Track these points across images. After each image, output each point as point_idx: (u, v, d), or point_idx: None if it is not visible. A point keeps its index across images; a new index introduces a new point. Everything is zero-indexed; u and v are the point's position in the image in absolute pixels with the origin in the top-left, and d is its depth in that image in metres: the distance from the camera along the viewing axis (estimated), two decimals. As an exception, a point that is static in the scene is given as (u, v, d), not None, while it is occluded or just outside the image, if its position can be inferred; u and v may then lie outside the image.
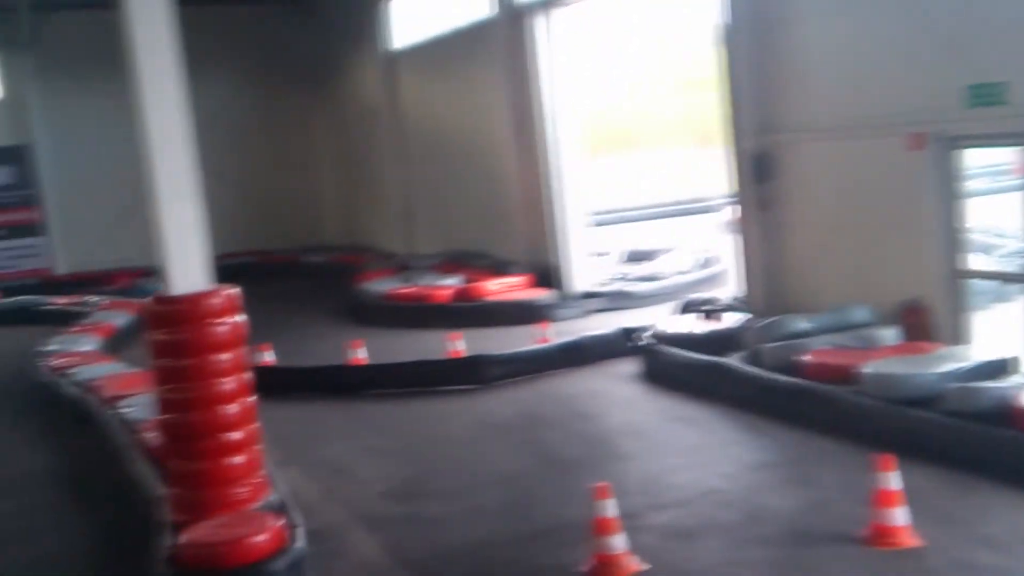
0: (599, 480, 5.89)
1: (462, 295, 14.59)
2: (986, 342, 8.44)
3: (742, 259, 10.90)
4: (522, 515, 6.81)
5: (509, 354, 10.76)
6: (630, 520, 6.03)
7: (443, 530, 6.68)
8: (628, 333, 11.14)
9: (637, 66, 32.13)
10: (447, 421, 9.40)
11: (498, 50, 15.18)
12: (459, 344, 11.41)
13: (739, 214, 10.93)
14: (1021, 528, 5.94)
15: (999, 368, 7.69)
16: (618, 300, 14.12)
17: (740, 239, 10.95)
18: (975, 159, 9.59)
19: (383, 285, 15.96)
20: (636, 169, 30.99)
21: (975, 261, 9.25)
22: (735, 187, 10.88)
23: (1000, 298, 9.68)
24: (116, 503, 7.65)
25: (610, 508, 5.67)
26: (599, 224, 18.00)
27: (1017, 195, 8.29)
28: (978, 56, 8.22)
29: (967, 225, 8.78)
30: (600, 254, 16.59)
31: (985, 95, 8.14)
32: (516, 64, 14.76)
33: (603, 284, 14.76)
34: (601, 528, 5.66)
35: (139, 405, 8.56)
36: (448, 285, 15.11)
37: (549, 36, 14.36)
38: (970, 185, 8.91)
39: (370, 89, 20.95)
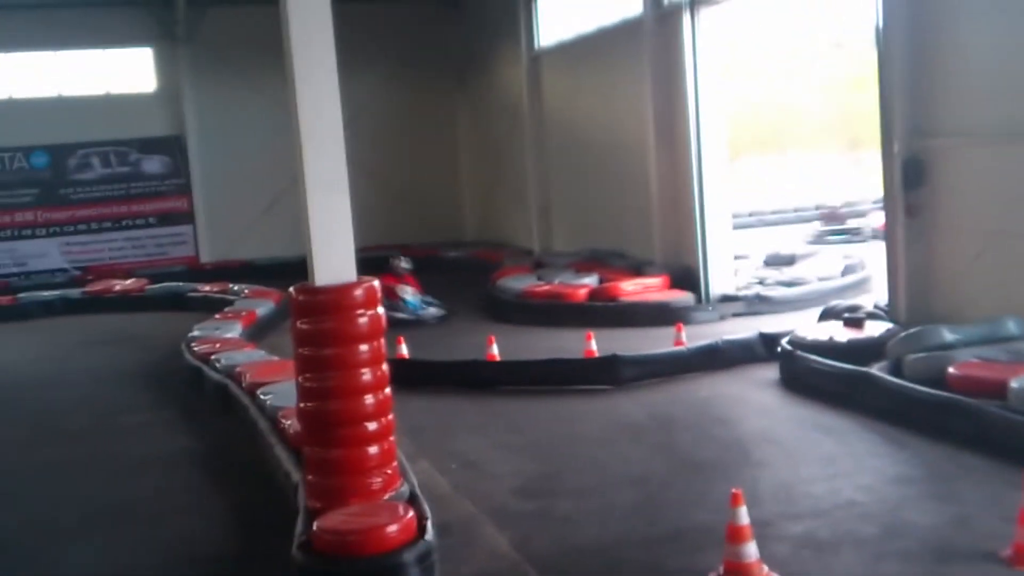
0: (732, 486, 5.96)
1: (598, 294, 14.79)
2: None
3: (889, 267, 10.77)
4: (652, 517, 6.95)
5: (644, 355, 10.91)
6: (763, 528, 6.07)
7: (572, 528, 6.85)
8: (767, 338, 11.13)
9: (788, 66, 31.65)
10: (580, 420, 9.60)
11: (643, 48, 15.30)
12: (593, 344, 11.61)
13: (887, 220, 10.80)
14: None
15: None
16: (757, 304, 14.06)
17: (888, 246, 10.81)
18: None
19: (519, 282, 16.29)
20: (783, 171, 30.55)
21: None
22: (884, 192, 10.76)
23: None
24: (253, 487, 8.09)
25: (743, 515, 5.71)
26: (742, 227, 17.90)
27: None
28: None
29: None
30: (740, 257, 16.52)
31: None
32: (661, 62, 14.86)
33: (742, 288, 14.71)
34: (733, 535, 5.71)
35: (279, 392, 8.91)
36: (583, 284, 15.32)
37: (696, 34, 14.40)
38: None
39: (514, 86, 21.37)
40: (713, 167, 14.60)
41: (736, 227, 16.34)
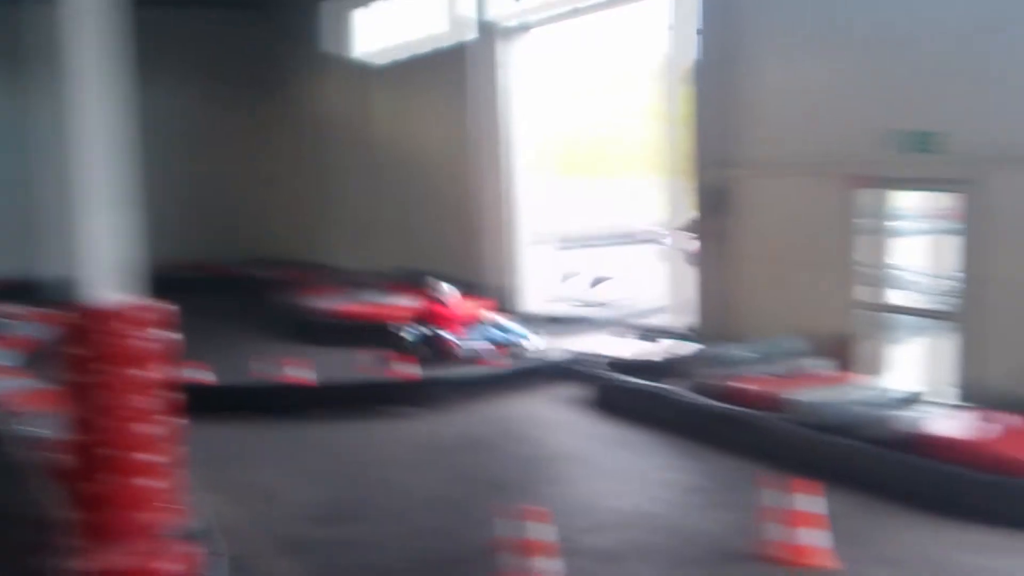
0: (535, 503, 6.27)
1: (418, 316, 14.84)
2: (904, 373, 9.20)
3: (697, 289, 11.47)
4: (454, 538, 7.15)
5: (454, 376, 11.18)
6: (564, 543, 6.33)
7: (371, 554, 6.92)
8: (578, 358, 11.60)
9: (605, 93, 32.66)
10: (386, 443, 9.75)
11: (462, 70, 15.69)
12: (406, 365, 11.75)
13: (696, 245, 11.51)
14: (925, 549, 6.52)
15: (914, 398, 8.39)
16: (570, 324, 14.56)
17: (696, 269, 11.52)
18: (906, 201, 10.37)
19: (330, 302, 16.12)
20: (598, 195, 31.50)
21: (899, 297, 9.96)
22: (694, 218, 11.49)
23: (922, 332, 10.36)
24: (14, 524, 7.41)
25: (541, 531, 5.98)
26: (558, 248, 18.46)
27: (945, 237, 8.99)
28: (916, 104, 9.07)
29: (895, 263, 9.52)
30: (554, 278, 17.03)
31: (915, 142, 8.89)
32: (480, 84, 15.26)
33: (556, 308, 15.19)
34: (531, 550, 5.95)
35: (47, 422, 8.11)
36: (402, 305, 15.34)
37: (513, 59, 14.88)
38: (900, 225, 9.65)
39: (330, 101, 21.29)
40: (525, 189, 15.09)
41: (555, 248, 16.84)
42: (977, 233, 8.62)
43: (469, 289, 15.57)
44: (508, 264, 15.18)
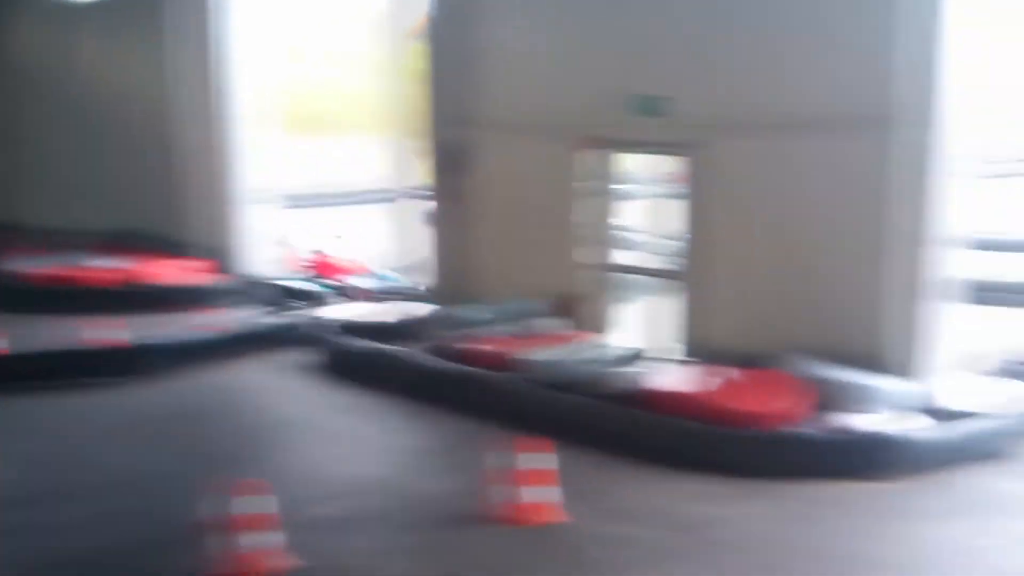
0: (256, 476, 5.94)
1: (127, 278, 13.93)
2: (630, 332, 9.49)
3: (434, 249, 11.32)
4: (157, 519, 6.62)
5: (171, 342, 10.48)
6: (286, 515, 6.04)
7: (64, 538, 6.38)
8: (307, 321, 11.21)
9: (341, 48, 32.02)
10: (93, 417, 9.00)
11: (171, 13, 14.68)
12: (120, 332, 10.93)
13: (433, 205, 11.35)
14: (652, 502, 6.73)
15: (641, 355, 8.70)
16: (302, 287, 14.07)
17: (433, 230, 11.36)
18: (636, 164, 10.71)
19: (31, 265, 14.85)
20: (331, 153, 30.93)
21: (631, 258, 10.29)
22: (431, 178, 11.31)
23: (651, 292, 10.78)
24: None
25: (259, 504, 5.70)
26: (287, 207, 17.85)
27: (671, 200, 9.33)
28: (644, 68, 9.27)
29: (624, 224, 9.80)
30: (282, 240, 16.46)
31: (645, 106, 9.12)
32: (187, 29, 14.35)
33: (284, 270, 14.66)
34: (247, 525, 5.67)
35: None
36: (111, 267, 14.35)
37: (229, 4, 14.07)
38: (629, 187, 9.93)
39: (24, 45, 19.45)
40: (249, 144, 14.40)
41: (288, 208, 16.23)
42: (700, 196, 8.98)
43: (177, 249, 14.74)
44: (222, 223, 14.43)
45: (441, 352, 9.29)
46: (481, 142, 10.76)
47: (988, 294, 12.48)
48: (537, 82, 10.22)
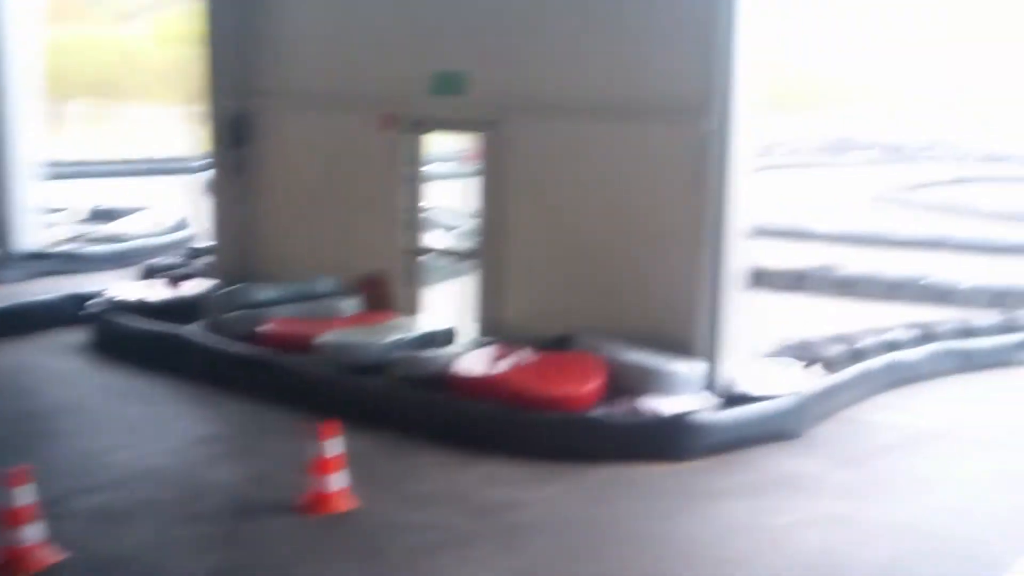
0: (21, 464, 5.46)
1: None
2: (436, 313, 9.36)
3: (214, 224, 10.79)
4: None
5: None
6: (55, 506, 5.77)
7: None
8: (78, 299, 10.52)
9: (134, 16, 30.47)
10: None
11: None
12: None
13: (214, 177, 10.81)
14: (451, 486, 6.64)
15: (445, 337, 8.55)
16: (71, 263, 13.26)
17: (213, 203, 10.82)
18: (440, 143, 10.58)
19: None
20: (113, 121, 29.39)
21: (433, 239, 10.18)
22: (211, 149, 10.76)
23: (454, 273, 10.71)
24: None
25: (26, 495, 5.31)
26: (59, 177, 16.76)
27: (473, 179, 9.27)
28: (442, 45, 9.15)
29: (428, 204, 9.65)
30: (56, 210, 15.45)
31: (446, 83, 9.01)
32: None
33: (55, 244, 13.75)
34: (11, 518, 5.27)
35: None
36: None
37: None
38: (433, 167, 9.80)
39: None
40: (18, 110, 13.33)
41: (58, 177, 15.23)
42: (496, 175, 8.94)
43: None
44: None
45: (232, 333, 8.87)
46: (270, 113, 10.35)
47: (766, 280, 13.27)
48: (335, 53, 9.90)
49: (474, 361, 7.82)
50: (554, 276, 8.71)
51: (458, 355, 7.92)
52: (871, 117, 52.62)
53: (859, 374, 8.68)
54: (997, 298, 12.57)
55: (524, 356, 7.89)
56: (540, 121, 8.71)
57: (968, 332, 10.16)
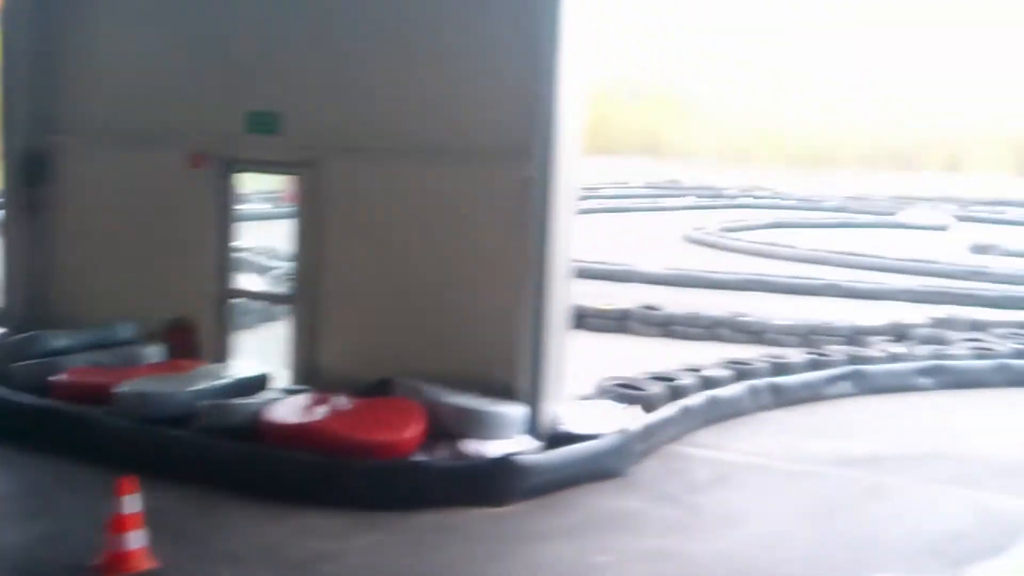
0: None
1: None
2: (248, 359, 9.06)
3: (6, 267, 10.20)
4: None
5: None
6: None
7: None
8: None
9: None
10: None
11: None
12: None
13: (6, 217, 10.25)
14: (263, 541, 6.37)
15: (257, 384, 8.27)
16: None
17: (5, 245, 10.24)
18: (255, 183, 10.34)
19: None
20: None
21: (247, 282, 9.89)
22: (4, 187, 10.23)
23: (268, 317, 10.45)
24: None
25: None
26: None
27: (288, 220, 9.08)
28: (257, 85, 8.97)
29: (241, 246, 9.38)
30: None
31: (260, 123, 8.84)
32: None
33: None
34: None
35: None
36: None
37: None
38: (248, 208, 9.53)
39: None
40: None
41: None
42: (312, 217, 8.78)
43: None
44: None
45: (21, 383, 8.31)
46: (70, 149, 9.88)
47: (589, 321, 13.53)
48: (141, 88, 9.56)
49: (288, 409, 7.55)
50: (373, 320, 8.58)
51: (270, 403, 7.64)
52: (698, 163, 54.84)
53: (678, 412, 8.86)
54: (807, 336, 13.19)
55: (341, 402, 7.69)
56: (359, 162, 8.61)
57: (780, 369, 10.57)
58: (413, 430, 7.32)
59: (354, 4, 8.72)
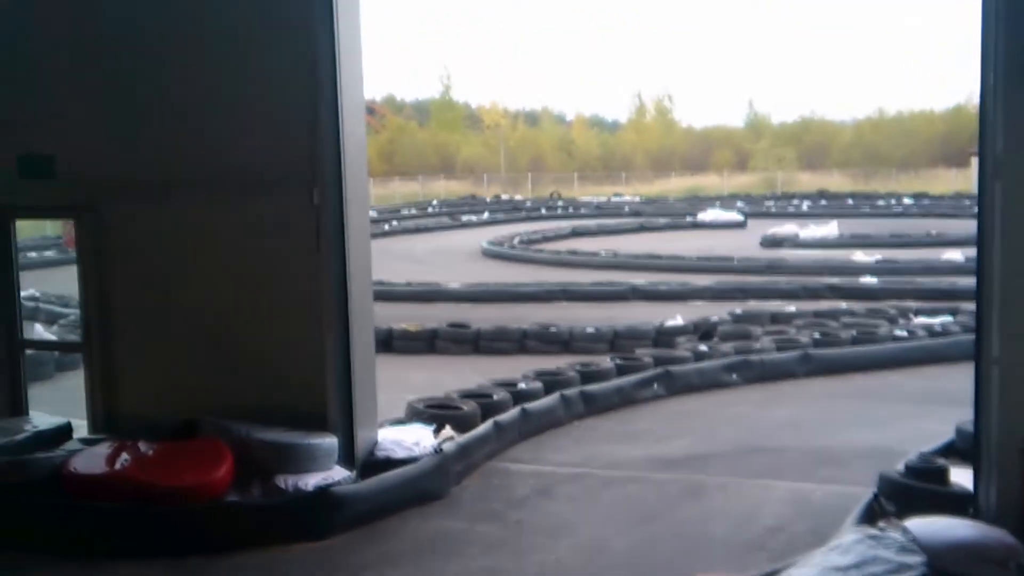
0: None
1: None
2: (46, 411, 8.72)
3: None
4: None
5: None
6: None
7: None
8: None
9: None
10: None
11: None
12: None
13: None
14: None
15: (57, 436, 7.98)
16: None
17: None
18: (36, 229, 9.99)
19: None
20: None
21: (35, 331, 9.51)
22: None
23: (64, 366, 10.06)
24: None
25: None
26: None
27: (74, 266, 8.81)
28: (29, 127, 8.63)
29: (26, 295, 9.01)
30: None
31: (33, 166, 8.52)
32: None
33: None
34: None
35: None
36: None
37: None
38: (36, 255, 9.18)
39: None
40: None
41: None
42: (96, 261, 8.52)
43: None
44: None
45: None
46: None
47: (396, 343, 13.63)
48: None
49: (89, 459, 7.33)
50: (174, 360, 8.40)
51: (72, 454, 7.40)
52: (494, 178, 55.81)
53: (493, 428, 9.09)
54: (615, 341, 13.76)
55: (144, 448, 7.53)
56: (140, 201, 8.38)
57: (591, 376, 10.99)
58: (222, 470, 7.24)
59: (126, 38, 8.51)
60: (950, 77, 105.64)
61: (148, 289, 8.44)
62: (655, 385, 11.38)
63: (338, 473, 7.53)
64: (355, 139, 8.04)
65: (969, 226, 8.05)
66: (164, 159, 8.35)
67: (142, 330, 8.45)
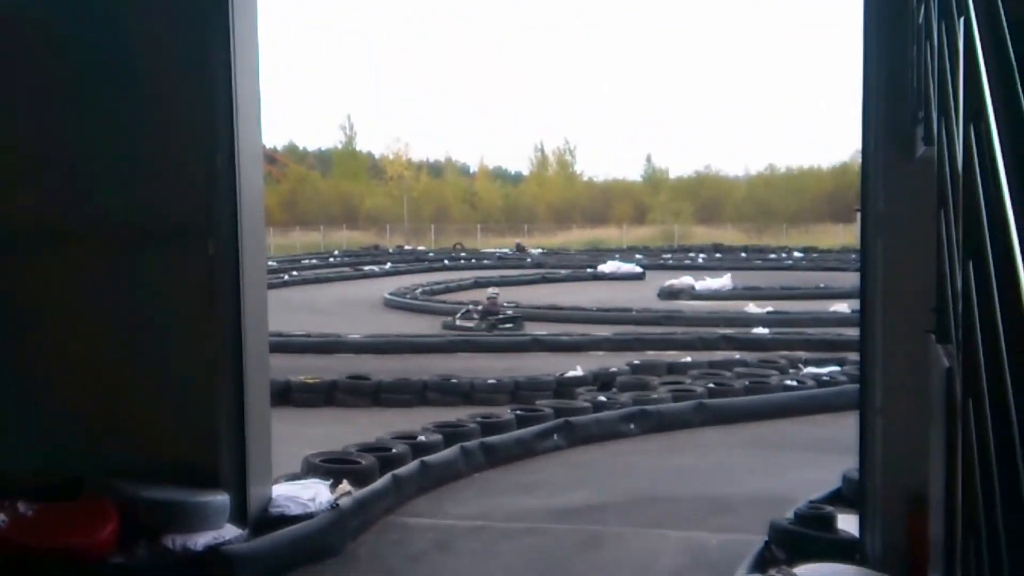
0: None
1: None
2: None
3: None
4: None
5: None
6: None
7: None
8: None
9: None
10: None
11: None
12: None
13: None
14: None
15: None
16: None
17: None
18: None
19: None
20: None
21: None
22: None
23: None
24: None
25: None
26: None
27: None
28: None
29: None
30: None
31: None
32: None
33: None
34: None
35: None
36: None
37: None
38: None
39: None
40: None
41: None
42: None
43: None
44: None
45: None
46: None
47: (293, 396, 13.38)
48: None
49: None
50: (58, 417, 8.05)
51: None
52: (397, 228, 55.75)
53: (391, 482, 8.94)
54: (515, 392, 13.73)
55: (25, 507, 7.20)
56: (30, 253, 8.08)
57: (491, 428, 10.92)
58: (107, 530, 6.95)
59: (16, 79, 8.27)
60: (837, 135, 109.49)
61: (30, 341, 8.12)
62: (555, 436, 11.35)
63: (229, 532, 7.29)
64: (252, 188, 7.90)
65: (854, 279, 8.23)
66: (52, 209, 8.08)
67: (25, 384, 8.12)
